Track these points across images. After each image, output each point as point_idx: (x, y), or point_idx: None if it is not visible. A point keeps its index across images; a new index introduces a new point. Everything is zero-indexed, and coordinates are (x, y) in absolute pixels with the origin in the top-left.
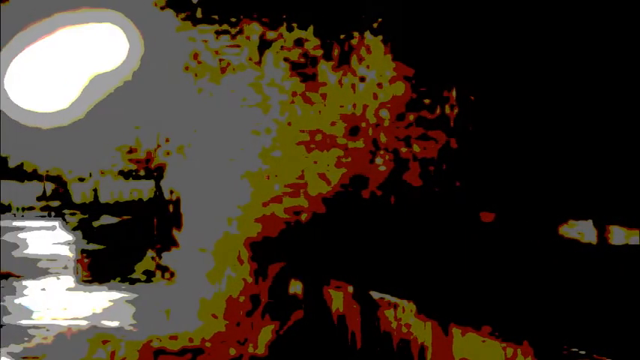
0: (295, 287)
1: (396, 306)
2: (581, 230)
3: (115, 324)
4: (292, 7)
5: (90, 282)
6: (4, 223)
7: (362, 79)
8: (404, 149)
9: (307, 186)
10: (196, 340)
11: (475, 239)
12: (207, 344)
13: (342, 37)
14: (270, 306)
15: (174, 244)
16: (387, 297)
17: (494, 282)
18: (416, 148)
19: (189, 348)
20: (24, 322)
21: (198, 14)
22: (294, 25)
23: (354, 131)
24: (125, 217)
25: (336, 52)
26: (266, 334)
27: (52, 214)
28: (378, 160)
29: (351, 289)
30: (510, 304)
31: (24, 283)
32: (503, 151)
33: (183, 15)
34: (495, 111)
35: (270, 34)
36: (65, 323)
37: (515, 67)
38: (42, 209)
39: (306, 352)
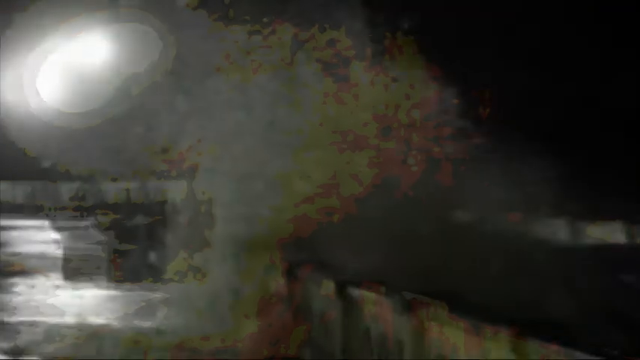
0: (327, 288)
1: (427, 306)
2: (609, 230)
3: (147, 324)
4: (324, 8)
5: (122, 282)
6: (37, 222)
7: (394, 80)
8: (436, 149)
9: (339, 186)
10: (228, 341)
11: (504, 239)
12: (239, 345)
13: (374, 37)
14: (302, 307)
15: (207, 244)
16: (419, 297)
17: (525, 281)
18: (447, 148)
19: (221, 349)
20: (56, 321)
21: (231, 15)
22: (327, 25)
23: (386, 132)
24: (157, 218)
25: (368, 52)
26: (298, 334)
27: (85, 214)
28: (410, 161)
29: (383, 289)
30: (542, 303)
31: (56, 283)
32: (532, 151)
33: (215, 16)
34: (526, 110)
35: (303, 35)
36: (97, 323)
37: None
38: (74, 209)
39: (337, 353)
